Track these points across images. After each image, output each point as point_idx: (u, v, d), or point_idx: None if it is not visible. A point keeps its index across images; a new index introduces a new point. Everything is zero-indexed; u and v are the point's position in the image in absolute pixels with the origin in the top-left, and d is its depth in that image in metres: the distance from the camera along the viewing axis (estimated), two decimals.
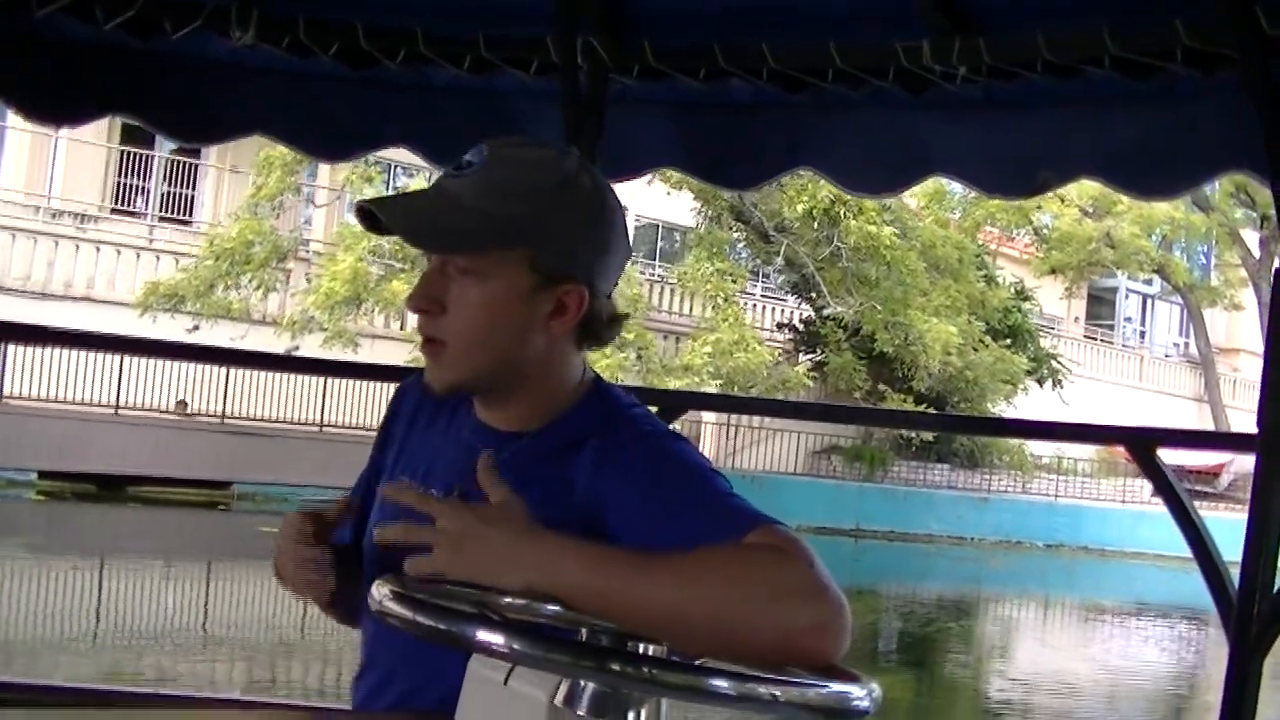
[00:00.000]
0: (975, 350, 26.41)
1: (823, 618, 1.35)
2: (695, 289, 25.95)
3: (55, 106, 2.93)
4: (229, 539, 17.77)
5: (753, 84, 2.77)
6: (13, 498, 18.35)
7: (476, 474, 1.52)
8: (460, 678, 1.47)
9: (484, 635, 1.12)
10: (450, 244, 1.56)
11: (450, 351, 1.59)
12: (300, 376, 20.09)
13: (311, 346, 21.11)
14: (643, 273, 27.89)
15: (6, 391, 19.60)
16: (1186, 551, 2.49)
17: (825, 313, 26.25)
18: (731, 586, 1.35)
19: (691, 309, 27.43)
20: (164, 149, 24.67)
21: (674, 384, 22.07)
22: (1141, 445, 2.60)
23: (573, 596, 1.34)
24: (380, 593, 1.22)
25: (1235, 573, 2.49)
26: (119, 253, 22.90)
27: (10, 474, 18.86)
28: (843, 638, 1.34)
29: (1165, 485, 2.54)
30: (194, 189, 25.49)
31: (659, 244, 31.16)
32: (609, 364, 21.36)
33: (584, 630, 1.32)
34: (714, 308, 25.26)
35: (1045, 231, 32.28)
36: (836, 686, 1.15)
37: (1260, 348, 2.63)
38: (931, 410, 23.60)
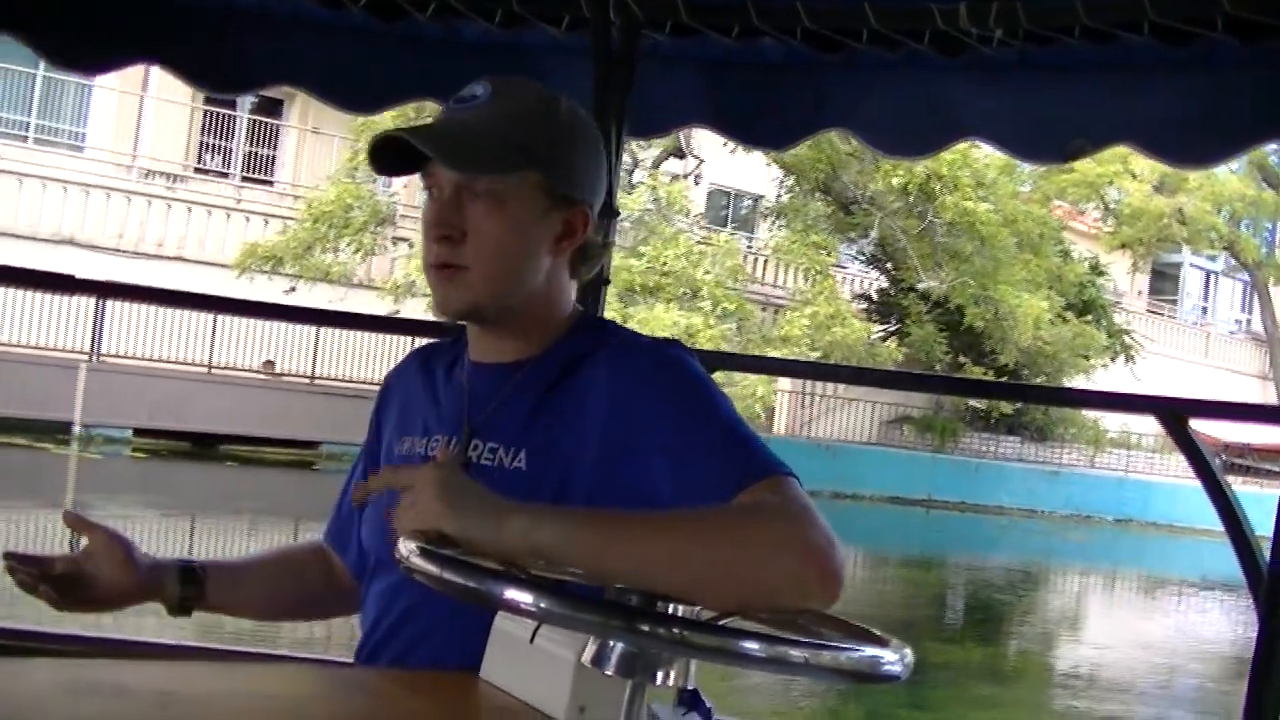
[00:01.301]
0: (1053, 324, 26.36)
1: (817, 581, 1.34)
2: (790, 261, 25.88)
3: (82, 54, 2.88)
4: (321, 498, 18.02)
5: (785, 43, 2.72)
6: (112, 454, 18.63)
7: (481, 411, 1.62)
8: (471, 639, 1.51)
9: (512, 593, 1.11)
10: (481, 165, 1.60)
11: (472, 275, 1.62)
12: (388, 337, 20.28)
13: (414, 311, 21.21)
14: (745, 244, 27.79)
15: (104, 349, 20.00)
16: (1258, 530, 2.44)
17: (919, 287, 26.13)
18: (726, 554, 1.34)
19: (770, 278, 27.36)
20: (245, 109, 24.94)
21: (774, 354, 22.03)
22: (1172, 416, 2.54)
23: (557, 553, 1.32)
24: (407, 548, 1.22)
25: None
26: (209, 213, 23.16)
27: (109, 431, 19.23)
28: (837, 597, 1.34)
29: (1197, 456, 2.47)
30: (275, 149, 25.63)
31: (729, 211, 30.97)
32: (712, 335, 21.36)
33: (612, 589, 1.30)
34: (810, 280, 25.22)
35: (1115, 206, 31.78)
36: (869, 651, 1.12)
37: None
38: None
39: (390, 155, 1.61)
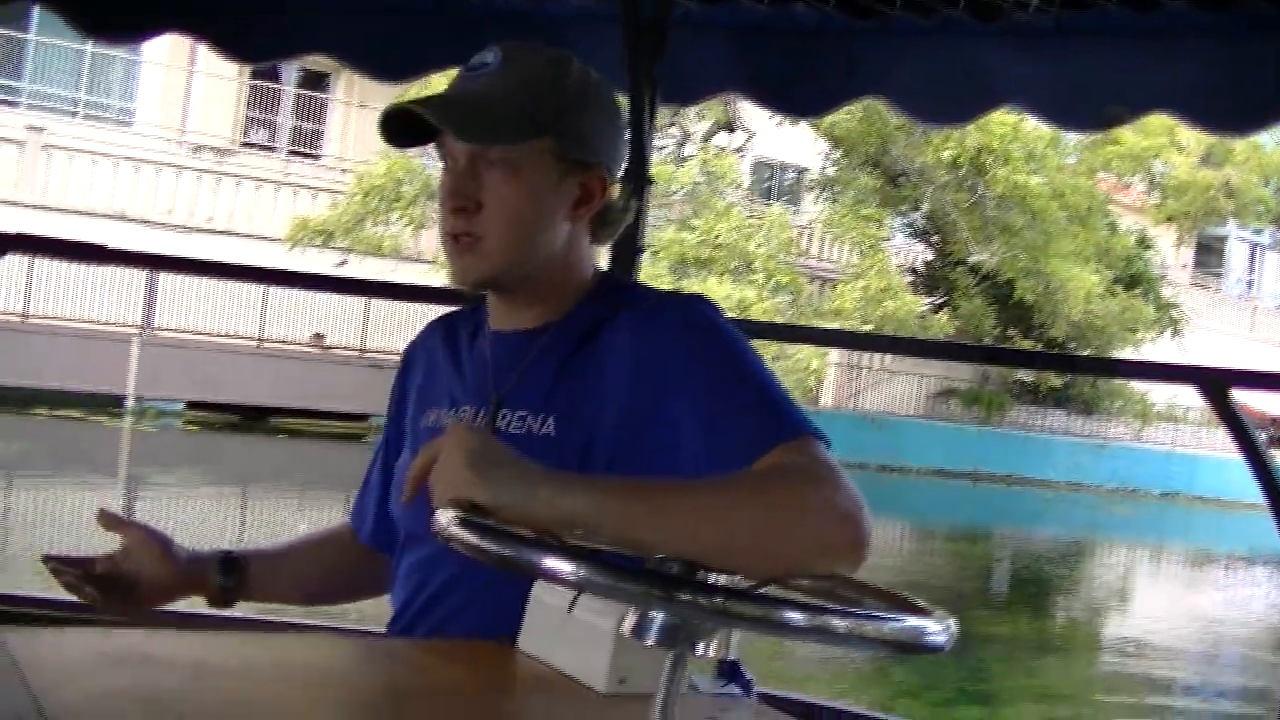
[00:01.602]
0: (1103, 298, 26.38)
1: (845, 544, 1.33)
2: (841, 234, 25.84)
3: (112, 24, 2.87)
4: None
5: (818, 9, 2.69)
6: (165, 427, 18.81)
7: (506, 379, 1.62)
8: (509, 609, 1.50)
9: (551, 562, 1.07)
10: (494, 136, 1.58)
11: (487, 245, 1.60)
12: (438, 309, 20.32)
13: None
14: (794, 217, 27.75)
15: (156, 323, 20.19)
16: None
17: (970, 260, 26.06)
18: (754, 520, 1.33)
19: (817, 252, 27.30)
20: (291, 83, 25.05)
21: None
22: (1214, 386, 2.46)
23: (586, 521, 1.29)
24: (444, 518, 1.19)
25: None
26: (257, 187, 23.32)
27: (160, 404, 19.41)
28: (863, 560, 1.33)
29: (1239, 428, 2.42)
30: (322, 123, 25.65)
31: (773, 183, 30.79)
32: (765, 309, 21.40)
33: (653, 558, 1.25)
34: (860, 253, 25.25)
35: (1161, 179, 31.41)
36: (913, 622, 1.09)
37: None
38: None
39: (404, 127, 1.59)
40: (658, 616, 1.11)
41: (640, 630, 1.11)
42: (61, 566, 1.71)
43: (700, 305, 1.60)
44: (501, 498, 1.27)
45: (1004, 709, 9.53)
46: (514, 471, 1.31)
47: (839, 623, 1.06)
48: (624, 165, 1.73)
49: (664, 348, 1.55)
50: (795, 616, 1.04)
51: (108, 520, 1.77)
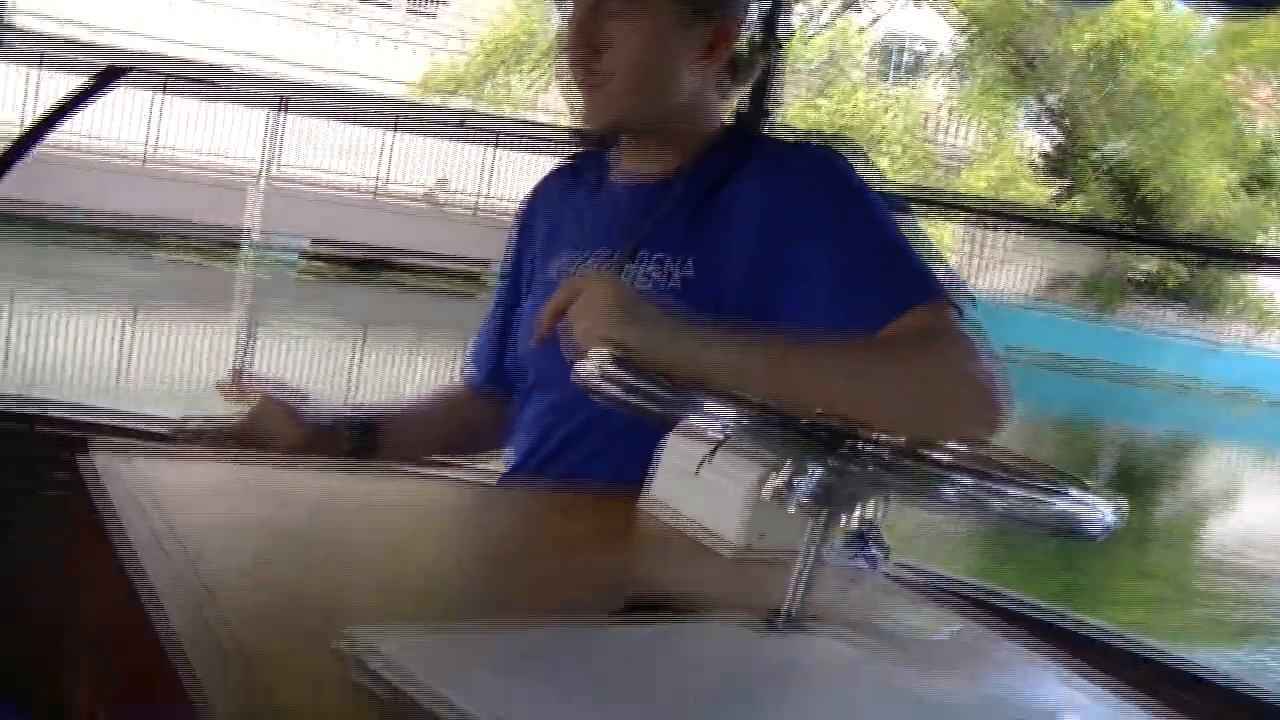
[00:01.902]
0: (1233, 199, 25.99)
1: (981, 414, 1.33)
2: (975, 115, 25.36)
3: None
4: None
5: None
6: (281, 273, 18.87)
7: (637, 228, 1.58)
8: (648, 453, 1.44)
9: (706, 414, 1.04)
10: None
11: (612, 88, 1.58)
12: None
13: None
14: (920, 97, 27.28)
15: (279, 165, 20.24)
16: None
17: (1104, 149, 25.54)
18: (897, 382, 1.33)
19: (941, 136, 26.88)
20: None
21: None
22: None
23: (726, 375, 1.22)
24: (594, 361, 1.13)
25: None
26: (377, 42, 23.37)
27: (281, 244, 19.51)
28: (1002, 428, 1.32)
29: None
30: None
31: (895, 61, 30.04)
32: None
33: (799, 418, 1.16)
34: (992, 138, 24.99)
35: None
36: (1081, 503, 1.00)
37: None
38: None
39: None
40: (810, 476, 1.05)
41: (788, 489, 1.05)
42: (192, 440, 1.70)
43: (834, 158, 1.55)
44: (645, 340, 1.27)
45: (1098, 584, 9.63)
46: (657, 316, 1.30)
47: (998, 502, 0.99)
48: (756, 20, 1.68)
49: (793, 195, 1.51)
50: (954, 491, 0.99)
51: (230, 389, 1.76)
